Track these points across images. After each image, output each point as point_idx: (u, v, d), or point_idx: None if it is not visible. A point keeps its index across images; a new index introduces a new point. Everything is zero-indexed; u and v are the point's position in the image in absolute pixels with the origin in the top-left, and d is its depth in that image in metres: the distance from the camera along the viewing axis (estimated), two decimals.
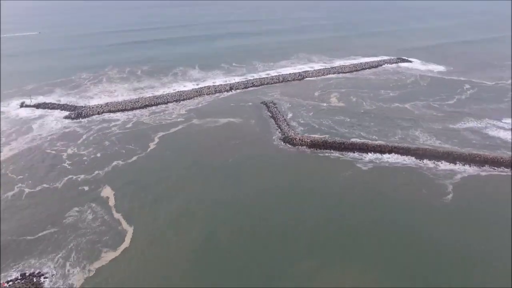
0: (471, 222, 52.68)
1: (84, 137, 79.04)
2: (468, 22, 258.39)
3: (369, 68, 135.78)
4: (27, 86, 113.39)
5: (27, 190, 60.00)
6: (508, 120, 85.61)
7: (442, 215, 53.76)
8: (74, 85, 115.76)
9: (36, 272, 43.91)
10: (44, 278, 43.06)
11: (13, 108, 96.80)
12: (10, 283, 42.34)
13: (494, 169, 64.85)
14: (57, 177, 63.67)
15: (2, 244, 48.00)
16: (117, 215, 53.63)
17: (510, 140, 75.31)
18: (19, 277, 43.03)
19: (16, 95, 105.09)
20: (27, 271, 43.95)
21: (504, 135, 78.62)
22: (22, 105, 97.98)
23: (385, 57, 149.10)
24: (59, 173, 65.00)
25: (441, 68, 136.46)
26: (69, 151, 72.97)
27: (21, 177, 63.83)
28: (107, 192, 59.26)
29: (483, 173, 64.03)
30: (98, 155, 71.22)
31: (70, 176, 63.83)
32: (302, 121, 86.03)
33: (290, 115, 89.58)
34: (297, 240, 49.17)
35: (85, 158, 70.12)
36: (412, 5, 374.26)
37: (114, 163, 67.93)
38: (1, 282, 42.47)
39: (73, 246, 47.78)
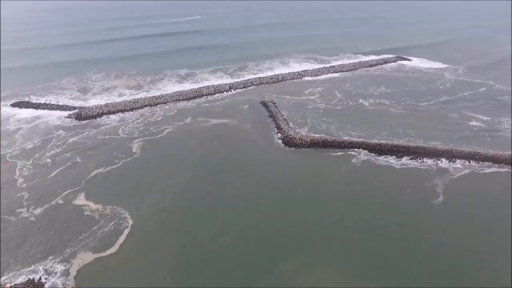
0: (469, 220, 52.29)
1: (76, 141, 78.17)
2: (467, 20, 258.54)
3: (368, 66, 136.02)
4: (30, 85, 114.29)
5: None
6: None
7: (441, 213, 53.53)
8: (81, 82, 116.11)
9: (38, 275, 43.77)
10: (45, 279, 42.99)
11: (8, 108, 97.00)
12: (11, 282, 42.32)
13: (495, 166, 65.01)
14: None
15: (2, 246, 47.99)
16: (106, 217, 53.26)
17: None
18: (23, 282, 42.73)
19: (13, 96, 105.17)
20: (28, 274, 43.72)
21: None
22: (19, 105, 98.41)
23: (385, 56, 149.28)
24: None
25: (441, 66, 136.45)
26: (63, 152, 72.97)
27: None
28: (92, 196, 58.36)
29: (483, 171, 63.98)
30: (84, 160, 69.76)
31: (56, 178, 63.75)
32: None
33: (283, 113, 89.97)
34: (284, 238, 48.82)
35: (69, 163, 68.42)
36: (415, 5, 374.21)
37: (102, 168, 66.37)
38: (3, 283, 42.44)
39: (65, 245, 47.69)
